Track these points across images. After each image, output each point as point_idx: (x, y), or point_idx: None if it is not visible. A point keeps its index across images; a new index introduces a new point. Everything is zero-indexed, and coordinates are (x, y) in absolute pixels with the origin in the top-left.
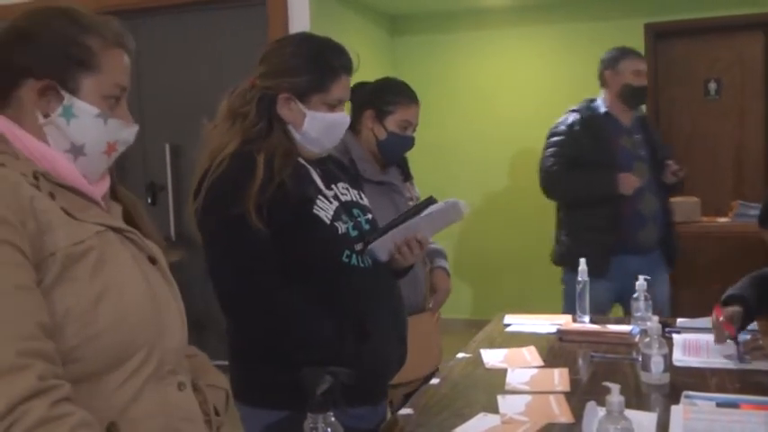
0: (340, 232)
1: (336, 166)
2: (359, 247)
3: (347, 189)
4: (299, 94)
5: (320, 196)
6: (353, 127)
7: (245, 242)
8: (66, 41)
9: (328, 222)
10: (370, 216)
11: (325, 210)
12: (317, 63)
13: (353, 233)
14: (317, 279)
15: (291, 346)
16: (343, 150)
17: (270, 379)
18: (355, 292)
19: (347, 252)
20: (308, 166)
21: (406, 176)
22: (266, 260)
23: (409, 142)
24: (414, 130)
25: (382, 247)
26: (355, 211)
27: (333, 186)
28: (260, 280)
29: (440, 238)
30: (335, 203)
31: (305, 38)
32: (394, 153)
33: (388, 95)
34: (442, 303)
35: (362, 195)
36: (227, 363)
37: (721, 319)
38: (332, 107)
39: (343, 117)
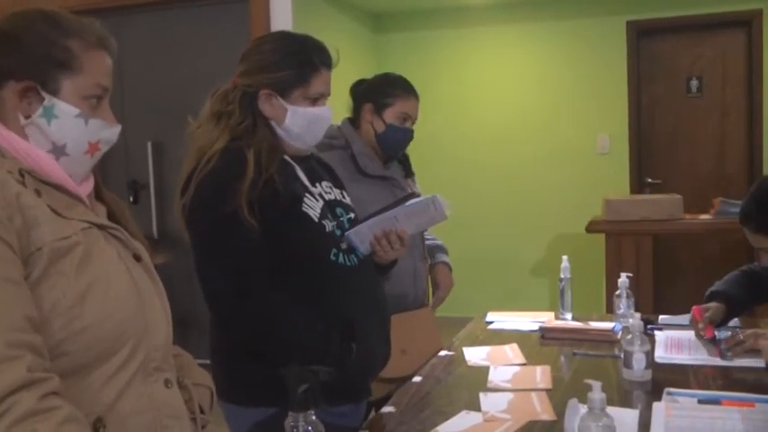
0: (327, 230)
1: (319, 165)
2: (345, 245)
3: (330, 188)
4: (279, 90)
5: (307, 194)
6: (354, 122)
7: (236, 241)
8: (47, 44)
9: (317, 220)
10: (352, 215)
11: (313, 208)
12: (297, 58)
13: (338, 232)
14: (304, 278)
15: (277, 345)
16: (345, 145)
17: (255, 377)
18: (341, 290)
19: (334, 250)
20: (293, 164)
21: (408, 173)
22: (255, 259)
23: (408, 134)
24: (413, 123)
25: (359, 237)
26: (338, 210)
27: (317, 184)
28: (248, 279)
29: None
30: (321, 201)
31: (283, 35)
32: (393, 145)
33: (385, 88)
34: (443, 299)
35: (345, 194)
36: (209, 361)
37: (701, 325)
38: (313, 101)
39: (325, 111)
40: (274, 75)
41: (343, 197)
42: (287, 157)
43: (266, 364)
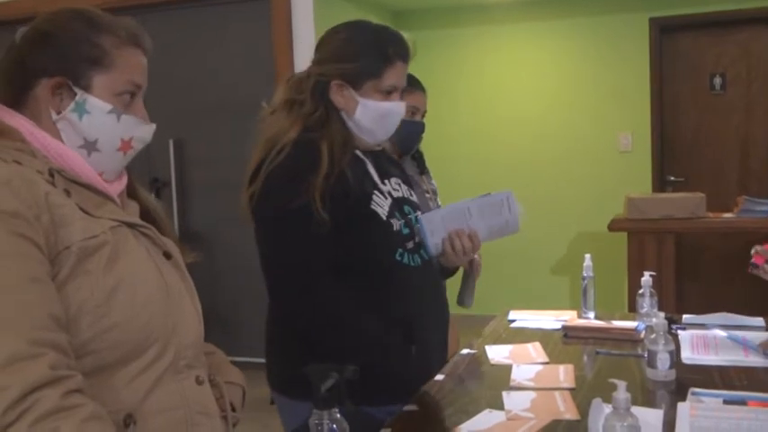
0: (394, 229)
1: (388, 162)
2: (411, 245)
3: (399, 185)
4: (351, 81)
5: (376, 191)
6: None
7: (304, 234)
8: (78, 41)
9: (384, 219)
10: (419, 214)
11: (381, 206)
12: (371, 49)
13: (405, 230)
14: (368, 275)
15: (337, 342)
16: None
17: None
18: (404, 291)
19: (400, 250)
20: (365, 159)
21: (422, 169)
22: (322, 254)
23: (420, 127)
24: (422, 116)
25: (430, 225)
26: (406, 208)
27: (386, 181)
28: (313, 274)
29: None
30: (390, 199)
31: (360, 24)
32: (405, 139)
33: None
34: (479, 267)
35: (412, 192)
36: (238, 359)
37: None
38: (386, 94)
39: (397, 106)
40: (346, 65)
41: (411, 195)
42: (359, 152)
43: (325, 360)
